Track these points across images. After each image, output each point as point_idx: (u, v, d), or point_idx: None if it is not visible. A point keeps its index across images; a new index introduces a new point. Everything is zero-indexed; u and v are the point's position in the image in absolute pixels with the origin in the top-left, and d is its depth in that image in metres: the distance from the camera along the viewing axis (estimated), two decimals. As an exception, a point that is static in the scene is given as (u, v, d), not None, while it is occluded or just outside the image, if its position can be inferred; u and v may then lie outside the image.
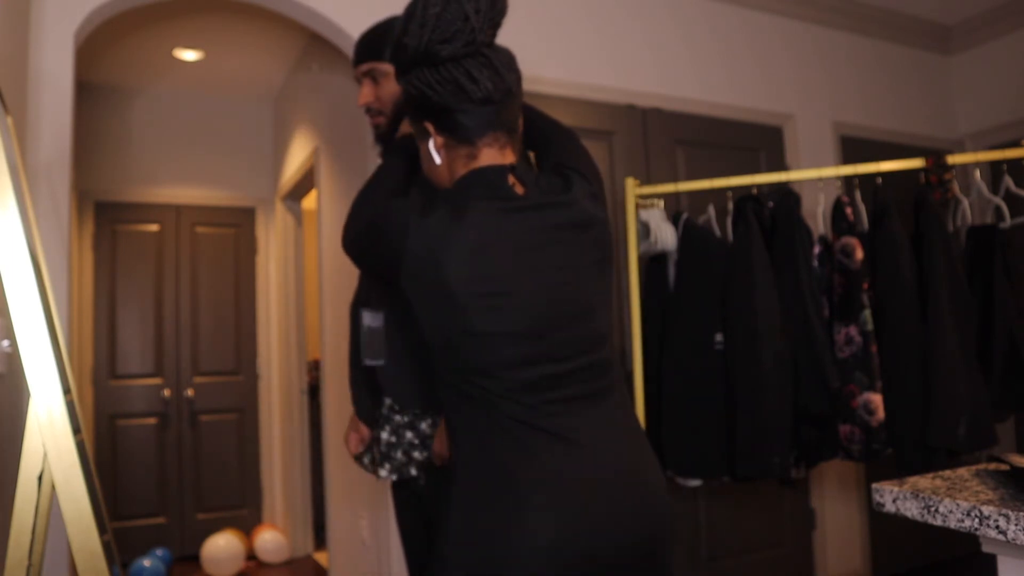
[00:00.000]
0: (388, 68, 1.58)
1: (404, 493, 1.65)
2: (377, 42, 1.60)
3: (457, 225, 1.07)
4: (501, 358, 1.06)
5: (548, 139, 1.37)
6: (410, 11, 1.11)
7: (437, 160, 1.17)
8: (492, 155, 1.14)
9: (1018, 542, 0.85)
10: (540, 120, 1.41)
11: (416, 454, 1.54)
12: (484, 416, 1.07)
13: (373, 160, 2.73)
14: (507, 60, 1.15)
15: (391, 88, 1.58)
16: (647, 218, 2.63)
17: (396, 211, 1.11)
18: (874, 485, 1.04)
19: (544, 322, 1.08)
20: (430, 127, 1.16)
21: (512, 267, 1.07)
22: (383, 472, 1.58)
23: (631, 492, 1.08)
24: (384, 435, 1.53)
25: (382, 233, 1.12)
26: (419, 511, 1.63)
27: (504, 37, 2.93)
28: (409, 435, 1.52)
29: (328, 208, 3.64)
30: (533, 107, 1.44)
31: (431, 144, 1.17)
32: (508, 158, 1.16)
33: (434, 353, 1.11)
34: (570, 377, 1.09)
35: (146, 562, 3.79)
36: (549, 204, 1.13)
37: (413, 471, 1.54)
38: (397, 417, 1.53)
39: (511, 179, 1.14)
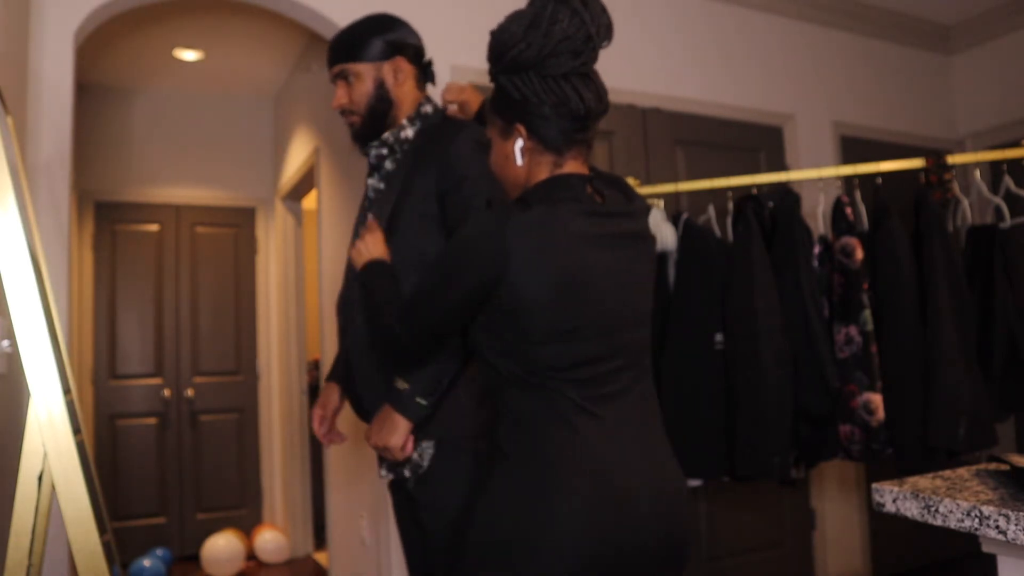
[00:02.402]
0: (360, 69, 1.61)
1: (400, 494, 1.65)
2: (349, 44, 1.62)
3: (555, 224, 1.13)
4: (574, 354, 1.13)
5: None
6: (534, 19, 1.16)
7: (519, 161, 1.23)
8: (575, 166, 1.22)
9: (1018, 542, 0.85)
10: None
11: (414, 455, 1.54)
12: (543, 404, 1.14)
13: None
14: (602, 83, 1.22)
15: (364, 88, 1.61)
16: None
17: (489, 226, 1.15)
18: (874, 485, 1.04)
19: (615, 321, 1.17)
20: (522, 129, 1.20)
21: (593, 267, 1.15)
22: (382, 471, 1.58)
23: (661, 493, 1.17)
24: None
25: (475, 256, 1.15)
26: (411, 512, 1.63)
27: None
28: None
29: (328, 208, 3.64)
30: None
31: (517, 145, 1.22)
32: (585, 170, 1.23)
33: (506, 350, 1.16)
34: (626, 376, 1.19)
35: (146, 562, 3.79)
36: (621, 213, 1.21)
37: (406, 472, 1.54)
38: None
39: (589, 188, 1.22)
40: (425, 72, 1.71)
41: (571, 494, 1.09)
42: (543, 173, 1.21)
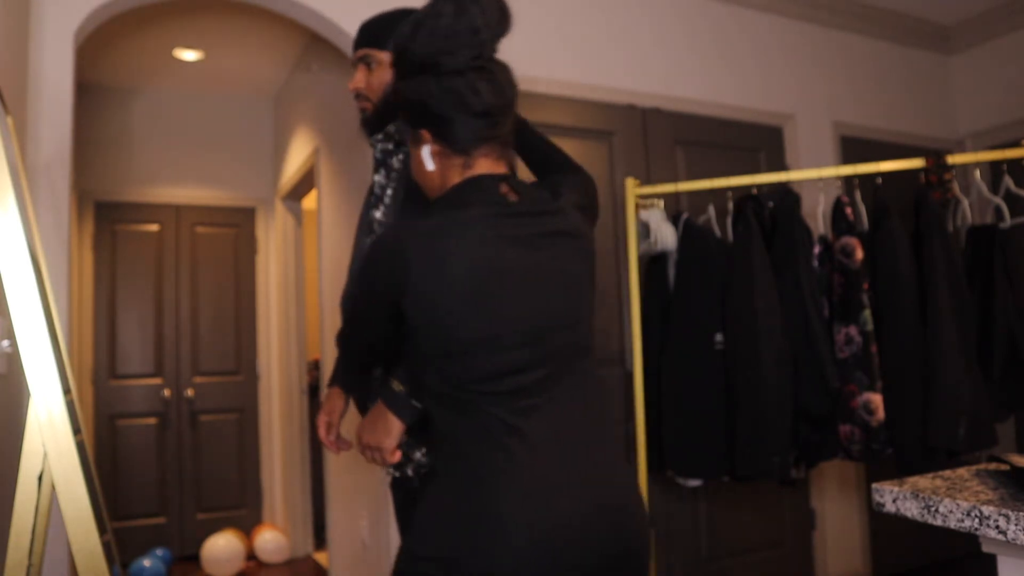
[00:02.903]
0: (383, 57, 1.61)
1: (399, 493, 1.65)
2: (378, 31, 1.62)
3: (455, 230, 1.08)
4: (496, 364, 1.07)
5: (547, 158, 1.44)
6: (419, 19, 1.13)
7: (429, 166, 1.18)
8: (487, 165, 1.16)
9: (1018, 542, 0.85)
10: (539, 142, 1.45)
11: (417, 454, 1.54)
12: (468, 421, 1.08)
13: (368, 158, 2.73)
14: (508, 75, 1.16)
15: (383, 77, 1.60)
16: (647, 218, 2.63)
17: (389, 239, 1.11)
18: (874, 485, 1.04)
19: (539, 326, 1.10)
20: (426, 135, 1.17)
21: (508, 271, 1.08)
22: (390, 468, 1.58)
23: (601, 511, 1.08)
24: None
25: (379, 270, 1.12)
26: (413, 512, 1.63)
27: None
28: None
29: (328, 208, 3.64)
30: (534, 130, 1.48)
31: (425, 151, 1.18)
32: (501, 169, 1.17)
33: (426, 364, 1.12)
34: (557, 386, 1.11)
35: (146, 562, 3.79)
36: (541, 212, 1.15)
37: (409, 471, 1.54)
38: None
39: (504, 188, 1.15)
40: None
41: (497, 520, 1.03)
42: (455, 177, 1.16)
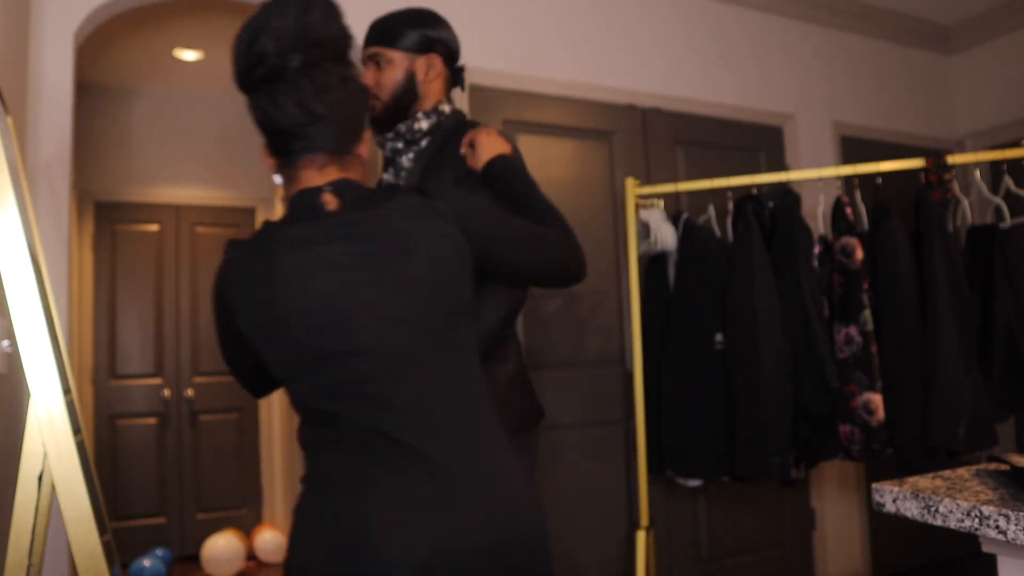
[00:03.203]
0: (393, 56, 1.62)
1: None
2: (388, 29, 1.63)
3: (274, 247, 1.07)
4: (324, 387, 1.05)
5: (522, 211, 1.40)
6: (234, 43, 1.16)
7: (276, 181, 1.18)
8: (309, 177, 1.14)
9: (1018, 542, 0.85)
10: (521, 194, 1.44)
11: None
12: (327, 432, 1.06)
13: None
14: (323, 85, 1.11)
15: (392, 75, 1.62)
16: (647, 218, 2.63)
17: (223, 257, 1.12)
18: (874, 485, 1.04)
19: (367, 340, 1.04)
20: (265, 150, 1.18)
21: (321, 288, 1.05)
22: None
23: (436, 555, 0.98)
24: None
25: (215, 288, 1.12)
26: None
27: (504, 37, 2.93)
28: None
29: (328, 208, 3.63)
30: (524, 180, 1.46)
31: (270, 168, 1.19)
32: (328, 177, 1.13)
33: (279, 379, 1.11)
34: (395, 404, 1.04)
35: (146, 562, 3.79)
36: (369, 213, 1.10)
37: None
38: None
39: (326, 198, 1.11)
40: (456, 76, 1.72)
41: (367, 543, 0.97)
42: (292, 190, 1.15)
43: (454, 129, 1.63)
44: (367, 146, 1.21)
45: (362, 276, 1.06)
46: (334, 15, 1.15)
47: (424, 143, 1.64)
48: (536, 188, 1.46)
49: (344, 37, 1.15)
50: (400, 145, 1.66)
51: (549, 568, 1.08)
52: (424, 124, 1.64)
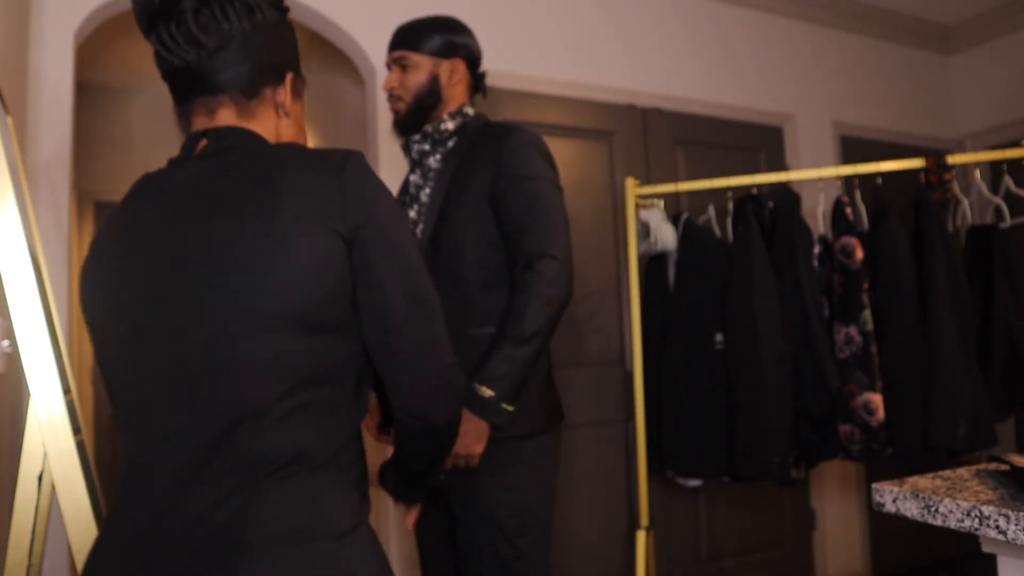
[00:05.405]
0: (418, 59, 1.66)
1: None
2: (414, 34, 1.67)
3: (109, 220, 0.97)
4: (121, 391, 0.93)
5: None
6: None
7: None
8: (199, 122, 0.99)
9: (1018, 542, 0.85)
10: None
11: None
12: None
13: (373, 160, 2.73)
14: (220, 14, 0.96)
15: (417, 78, 1.66)
16: (647, 218, 2.63)
17: None
18: (874, 485, 1.04)
19: (186, 339, 0.86)
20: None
21: (157, 265, 0.89)
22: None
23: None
24: None
25: None
26: (438, 507, 1.63)
27: (504, 37, 2.93)
28: None
29: (328, 208, 3.63)
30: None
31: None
32: (220, 122, 0.98)
33: None
34: (213, 421, 0.85)
35: (146, 562, 3.79)
36: (212, 161, 0.94)
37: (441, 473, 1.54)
38: None
39: (204, 143, 0.97)
40: (478, 82, 1.76)
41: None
42: None
43: (481, 129, 1.66)
44: (288, 94, 1.03)
45: (218, 240, 0.90)
46: None
47: (451, 144, 1.66)
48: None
49: None
50: (427, 147, 1.68)
51: None
52: (450, 125, 1.67)
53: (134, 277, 0.90)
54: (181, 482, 0.84)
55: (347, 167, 0.92)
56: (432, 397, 0.97)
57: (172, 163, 0.98)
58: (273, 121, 1.02)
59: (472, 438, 1.44)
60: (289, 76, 1.03)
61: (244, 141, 0.97)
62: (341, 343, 0.90)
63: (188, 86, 0.98)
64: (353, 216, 0.89)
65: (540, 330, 1.46)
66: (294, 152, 0.94)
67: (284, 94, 1.03)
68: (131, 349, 0.90)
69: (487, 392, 1.43)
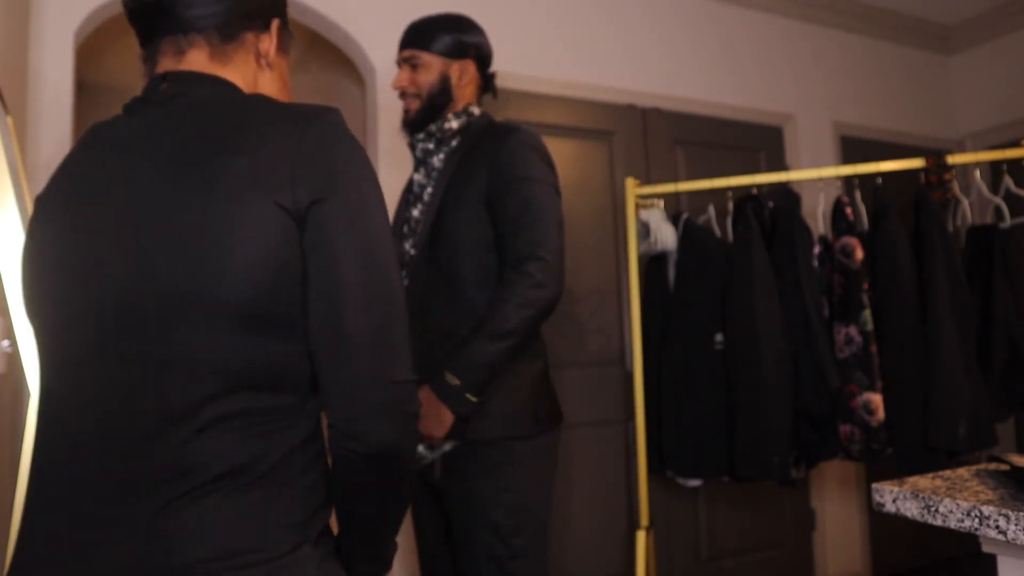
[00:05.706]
0: (428, 58, 1.66)
1: (420, 489, 1.64)
2: (424, 33, 1.67)
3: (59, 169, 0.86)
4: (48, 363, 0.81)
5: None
6: None
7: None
8: (165, 63, 0.88)
9: (1018, 542, 0.85)
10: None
11: (446, 446, 1.53)
12: None
13: (374, 160, 2.73)
14: None
15: (428, 78, 1.66)
16: (647, 218, 2.63)
17: None
18: (874, 485, 1.04)
19: (128, 311, 0.74)
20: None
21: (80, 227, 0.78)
22: (421, 449, 1.58)
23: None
24: None
25: None
26: (436, 507, 1.63)
27: (503, 37, 2.93)
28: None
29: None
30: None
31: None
32: (188, 65, 0.87)
33: None
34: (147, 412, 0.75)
35: (146, 562, 3.79)
36: (170, 104, 0.82)
37: (437, 466, 1.54)
38: None
39: (165, 86, 0.85)
40: (488, 82, 1.75)
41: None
42: None
43: (485, 129, 1.65)
44: (273, 43, 0.92)
45: (167, 203, 0.79)
46: None
47: (454, 143, 1.66)
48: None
49: None
50: (431, 145, 1.68)
51: None
52: (454, 124, 1.67)
53: (67, 246, 0.78)
54: (98, 500, 0.72)
55: (313, 125, 0.78)
56: (369, 414, 0.79)
57: (125, 108, 0.87)
58: (252, 71, 0.90)
59: (433, 422, 1.45)
60: (275, 23, 0.93)
61: (209, 88, 0.84)
62: (288, 342, 0.76)
63: (155, 23, 0.87)
64: (307, 187, 0.75)
65: (516, 329, 1.46)
66: (261, 104, 0.81)
67: (269, 42, 0.91)
68: (55, 333, 0.78)
69: (454, 380, 1.45)
